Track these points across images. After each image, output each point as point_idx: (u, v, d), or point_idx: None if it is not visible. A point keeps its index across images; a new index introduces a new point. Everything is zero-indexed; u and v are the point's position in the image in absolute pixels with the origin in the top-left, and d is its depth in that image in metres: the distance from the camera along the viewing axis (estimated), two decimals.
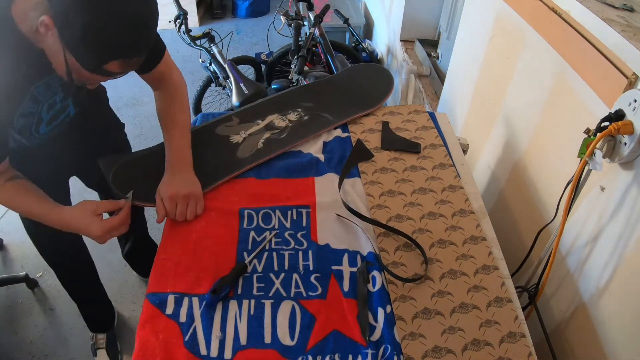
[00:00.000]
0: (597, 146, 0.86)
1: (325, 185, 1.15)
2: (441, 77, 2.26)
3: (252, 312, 0.88)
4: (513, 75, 1.36)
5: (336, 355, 0.82)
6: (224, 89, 2.52)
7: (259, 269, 0.96)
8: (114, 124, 1.43)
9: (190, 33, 2.26)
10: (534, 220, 1.25)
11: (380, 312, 0.88)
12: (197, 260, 0.97)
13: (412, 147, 1.25)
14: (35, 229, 1.31)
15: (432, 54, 2.46)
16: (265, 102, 1.39)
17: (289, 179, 1.16)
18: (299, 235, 1.03)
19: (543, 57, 1.19)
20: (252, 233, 1.03)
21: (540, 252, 1.10)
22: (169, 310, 0.88)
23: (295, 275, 0.95)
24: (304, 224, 1.05)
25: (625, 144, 0.85)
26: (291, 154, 1.24)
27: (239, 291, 0.92)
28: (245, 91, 2.09)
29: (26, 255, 2.04)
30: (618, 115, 0.85)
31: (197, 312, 0.88)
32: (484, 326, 0.86)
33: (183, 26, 2.24)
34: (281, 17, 2.36)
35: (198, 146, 1.16)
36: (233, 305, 0.90)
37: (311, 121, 1.32)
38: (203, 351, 0.82)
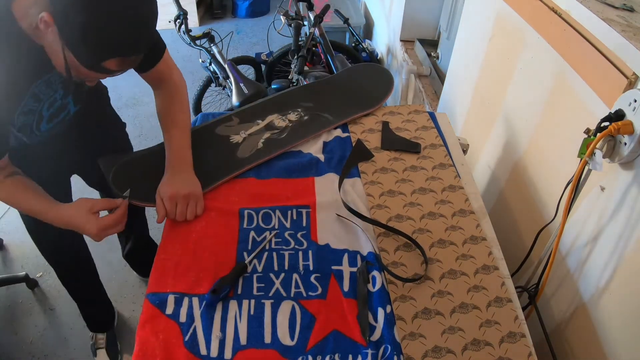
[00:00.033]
0: (597, 146, 0.86)
1: (325, 185, 1.15)
2: (441, 77, 2.26)
3: (252, 312, 0.88)
4: (513, 75, 1.36)
5: (336, 355, 0.82)
6: (224, 89, 2.52)
7: (259, 269, 0.96)
8: (115, 123, 1.43)
9: (190, 33, 2.26)
10: (534, 220, 1.25)
11: (380, 312, 0.88)
12: (197, 260, 0.97)
13: (412, 147, 1.25)
14: (36, 227, 1.31)
15: (432, 54, 2.46)
16: (265, 102, 1.39)
17: (289, 179, 1.16)
18: (299, 235, 1.03)
19: (543, 57, 1.19)
20: (252, 233, 1.03)
21: (540, 252, 1.10)
22: (169, 310, 0.88)
23: (295, 275, 0.95)
24: (304, 224, 1.05)
25: (625, 144, 0.85)
26: (291, 154, 1.24)
27: (239, 291, 0.92)
28: (245, 91, 2.09)
29: (26, 255, 2.04)
30: (618, 115, 0.85)
31: (197, 312, 0.88)
32: (484, 326, 0.86)
33: (183, 26, 2.24)
34: (281, 17, 2.36)
35: (198, 146, 1.16)
36: (233, 305, 0.90)
37: (311, 121, 1.32)
38: (203, 351, 0.82)
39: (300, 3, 2.36)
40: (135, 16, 0.79)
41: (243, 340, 0.84)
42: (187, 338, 0.84)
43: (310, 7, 2.33)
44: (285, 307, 0.89)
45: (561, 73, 1.12)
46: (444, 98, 2.03)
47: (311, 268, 0.96)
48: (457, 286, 0.93)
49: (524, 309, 1.08)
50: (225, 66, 2.27)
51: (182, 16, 2.23)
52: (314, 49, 2.42)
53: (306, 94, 1.43)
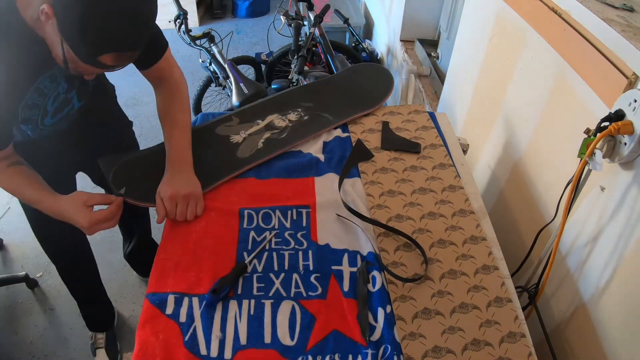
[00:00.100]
0: (597, 146, 0.86)
1: (325, 185, 1.15)
2: (441, 77, 2.26)
3: (252, 312, 0.88)
4: (513, 75, 1.36)
5: (336, 355, 0.82)
6: (224, 89, 2.52)
7: (259, 269, 0.96)
8: (121, 121, 1.43)
9: (190, 33, 2.26)
10: (534, 220, 1.25)
11: (380, 312, 0.88)
12: (197, 260, 0.97)
13: (412, 147, 1.25)
14: (40, 224, 1.32)
15: (432, 54, 2.46)
16: (265, 102, 1.39)
17: (289, 179, 1.16)
18: (299, 235, 1.03)
19: (543, 57, 1.19)
20: (252, 233, 1.03)
21: (540, 252, 1.10)
22: (169, 310, 0.88)
23: (295, 275, 0.95)
24: (304, 224, 1.05)
25: (625, 144, 0.85)
26: (291, 154, 1.24)
27: (239, 291, 0.92)
28: (245, 91, 2.09)
29: (26, 255, 2.04)
30: (618, 115, 0.85)
31: (197, 312, 0.88)
32: (484, 326, 0.86)
33: (183, 26, 2.24)
34: (281, 17, 2.36)
35: (198, 146, 1.16)
36: (233, 305, 0.90)
37: (311, 121, 1.32)
38: (203, 351, 0.82)
39: (300, 3, 2.36)
40: (133, 11, 0.79)
41: (243, 340, 0.84)
42: (187, 338, 0.84)
43: (310, 7, 2.33)
44: (285, 307, 0.89)
45: (561, 73, 1.12)
46: (444, 98, 2.03)
47: (311, 268, 0.96)
48: (457, 286, 0.93)
49: (524, 309, 1.08)
50: (225, 66, 2.27)
51: (182, 16, 2.23)
52: (314, 49, 2.42)
53: (306, 94, 1.43)
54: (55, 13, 0.77)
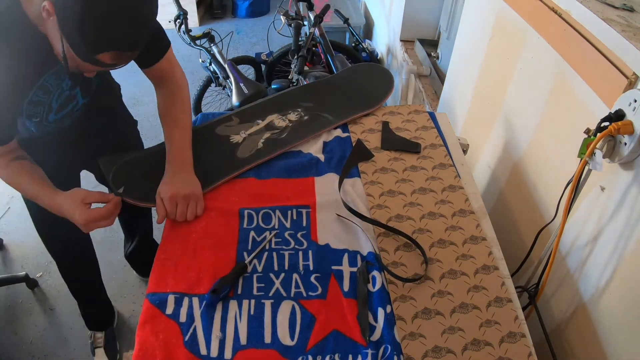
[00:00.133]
0: (597, 146, 0.86)
1: (325, 185, 1.15)
2: (441, 77, 2.26)
3: (252, 312, 0.88)
4: (513, 75, 1.36)
5: (336, 355, 0.82)
6: (224, 89, 2.52)
7: (259, 269, 0.96)
8: (125, 120, 1.43)
9: (190, 33, 2.26)
10: (534, 220, 1.25)
11: (380, 312, 0.88)
12: (197, 260, 0.97)
13: (412, 147, 1.25)
14: (44, 222, 1.32)
15: (432, 54, 2.46)
16: (265, 102, 1.39)
17: (289, 179, 1.16)
18: (299, 235, 1.03)
19: (543, 57, 1.19)
20: (252, 233, 1.03)
21: (540, 252, 1.10)
22: (169, 310, 0.88)
23: (295, 275, 0.95)
24: (304, 224, 1.05)
25: (625, 144, 0.85)
26: (291, 154, 1.24)
27: (239, 291, 0.92)
28: (245, 91, 2.09)
29: (26, 255, 2.04)
30: (618, 115, 0.85)
31: (197, 312, 0.88)
32: (484, 326, 0.86)
33: (183, 26, 2.24)
34: (281, 17, 2.36)
35: (198, 146, 1.16)
36: (233, 305, 0.90)
37: (311, 121, 1.32)
38: (203, 351, 0.82)
39: (300, 3, 2.36)
40: (132, 10, 0.80)
41: (243, 340, 0.84)
42: (187, 338, 0.84)
43: (310, 7, 2.33)
44: (285, 307, 0.89)
45: (561, 73, 1.12)
46: (444, 98, 2.03)
47: (311, 268, 0.96)
48: (457, 286, 0.93)
49: (524, 309, 1.08)
50: (225, 66, 2.27)
51: (182, 16, 2.23)
52: (314, 49, 2.42)
53: (306, 94, 1.43)
54: (55, 10, 0.78)
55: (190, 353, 0.82)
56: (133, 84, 2.95)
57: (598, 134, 0.86)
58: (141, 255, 1.83)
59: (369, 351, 0.82)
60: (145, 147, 1.22)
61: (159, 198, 1.04)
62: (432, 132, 1.31)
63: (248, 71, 2.75)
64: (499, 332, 0.86)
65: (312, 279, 0.94)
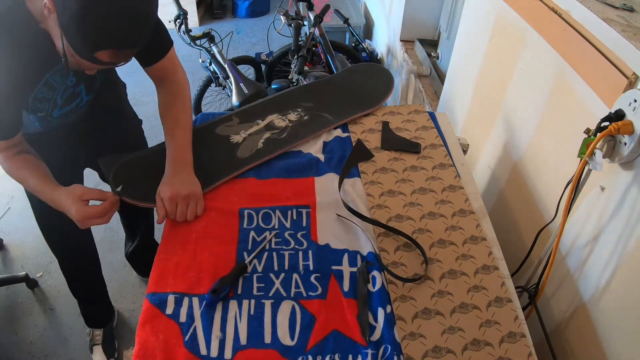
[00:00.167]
0: (597, 146, 0.86)
1: (326, 185, 1.15)
2: (441, 77, 2.27)
3: (252, 312, 0.88)
4: (513, 75, 1.36)
5: (336, 355, 0.82)
6: (224, 89, 2.52)
7: (259, 269, 0.96)
8: (130, 119, 1.44)
9: (190, 33, 2.26)
10: (534, 220, 1.25)
11: (380, 312, 0.88)
12: (197, 260, 0.97)
13: (412, 147, 1.25)
14: (47, 220, 1.32)
15: (432, 54, 2.46)
16: (265, 102, 1.39)
17: (289, 179, 1.16)
18: (299, 235, 1.03)
19: (543, 57, 1.19)
20: (252, 233, 1.03)
21: (540, 252, 1.10)
22: (169, 310, 0.88)
23: (295, 275, 0.95)
24: (304, 224, 1.05)
25: (625, 144, 0.85)
26: (291, 154, 1.24)
27: (239, 291, 0.92)
28: (245, 91, 2.09)
29: (26, 255, 2.04)
30: (618, 115, 0.85)
31: (197, 312, 0.88)
32: (484, 326, 0.86)
33: (183, 26, 2.24)
34: (281, 17, 2.36)
35: (198, 146, 1.16)
36: (233, 305, 0.90)
37: (311, 121, 1.32)
38: (203, 351, 0.82)
39: (300, 3, 2.36)
40: (131, 9, 0.80)
41: (243, 340, 0.84)
42: (187, 338, 0.84)
43: (310, 7, 2.33)
44: (285, 307, 0.89)
45: (561, 73, 1.12)
46: (444, 98, 2.03)
47: (311, 268, 0.96)
48: (457, 286, 0.93)
49: (524, 309, 1.08)
50: (225, 66, 2.27)
51: (182, 16, 2.23)
52: (314, 49, 2.42)
53: (306, 94, 1.43)
54: (56, 7, 0.78)
55: (190, 353, 0.82)
56: (133, 83, 2.94)
57: (598, 134, 0.86)
58: (142, 255, 1.83)
59: (369, 351, 0.82)
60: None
61: (159, 198, 1.04)
62: (432, 132, 1.31)
63: (248, 71, 2.75)
64: (499, 332, 0.86)
65: (312, 279, 0.94)
